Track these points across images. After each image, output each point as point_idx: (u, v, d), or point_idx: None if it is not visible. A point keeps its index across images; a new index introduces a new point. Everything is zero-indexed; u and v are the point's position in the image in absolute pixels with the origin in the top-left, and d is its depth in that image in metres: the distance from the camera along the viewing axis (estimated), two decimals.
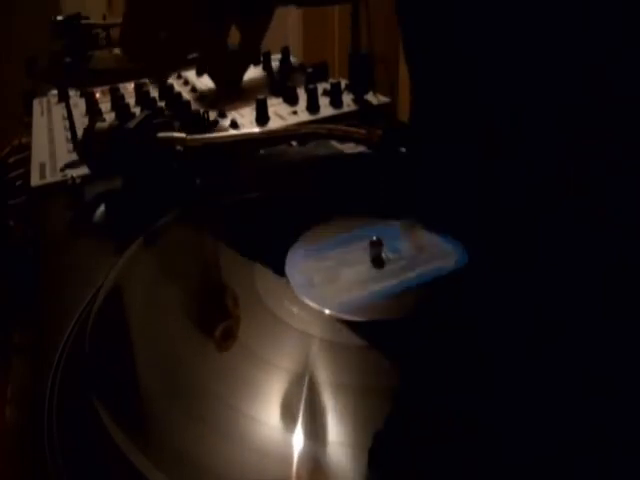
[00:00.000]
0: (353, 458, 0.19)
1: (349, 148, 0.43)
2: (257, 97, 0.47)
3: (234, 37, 0.53)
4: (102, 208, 0.38)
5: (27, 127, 0.51)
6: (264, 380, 0.22)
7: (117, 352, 0.24)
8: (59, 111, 0.52)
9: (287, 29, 1.12)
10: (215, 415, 0.21)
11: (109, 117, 0.49)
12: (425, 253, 0.28)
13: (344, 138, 0.40)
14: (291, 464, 0.19)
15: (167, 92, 0.52)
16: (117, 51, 0.68)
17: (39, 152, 0.44)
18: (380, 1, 0.60)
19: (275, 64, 0.61)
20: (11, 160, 0.48)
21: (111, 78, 0.55)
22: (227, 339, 0.25)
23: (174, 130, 0.45)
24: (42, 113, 0.52)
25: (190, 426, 0.20)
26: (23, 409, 0.24)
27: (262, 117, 0.47)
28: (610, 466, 0.18)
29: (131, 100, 0.52)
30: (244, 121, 0.47)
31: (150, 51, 0.47)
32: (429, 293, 0.25)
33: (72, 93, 0.55)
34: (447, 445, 0.19)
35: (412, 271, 0.27)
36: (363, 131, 0.37)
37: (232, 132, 0.45)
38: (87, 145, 0.42)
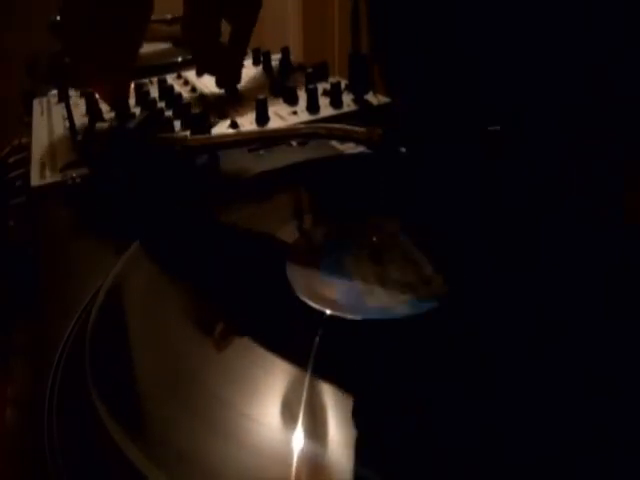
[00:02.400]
0: (353, 459, 0.19)
1: (349, 148, 0.43)
2: (257, 97, 0.47)
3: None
4: (102, 208, 0.38)
5: (27, 127, 0.51)
6: (264, 379, 0.22)
7: (117, 352, 0.24)
8: (59, 111, 0.52)
9: (287, 29, 1.12)
10: (216, 415, 0.21)
11: (109, 117, 0.49)
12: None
13: (344, 138, 0.40)
14: (291, 464, 0.19)
15: (167, 92, 0.52)
16: None
17: (39, 152, 0.44)
18: None
19: (275, 64, 0.61)
20: (11, 160, 0.48)
21: None
22: (227, 339, 0.25)
23: (174, 130, 0.45)
24: (42, 113, 0.52)
25: (190, 426, 0.20)
26: (23, 409, 0.24)
27: (262, 117, 0.47)
28: (612, 466, 0.18)
29: (131, 100, 0.51)
30: (244, 121, 0.47)
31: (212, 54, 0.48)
32: (430, 294, 0.25)
33: (72, 93, 0.55)
34: (449, 445, 0.19)
35: (413, 272, 0.27)
36: (363, 131, 0.37)
37: (232, 132, 0.45)
38: (87, 145, 0.42)
